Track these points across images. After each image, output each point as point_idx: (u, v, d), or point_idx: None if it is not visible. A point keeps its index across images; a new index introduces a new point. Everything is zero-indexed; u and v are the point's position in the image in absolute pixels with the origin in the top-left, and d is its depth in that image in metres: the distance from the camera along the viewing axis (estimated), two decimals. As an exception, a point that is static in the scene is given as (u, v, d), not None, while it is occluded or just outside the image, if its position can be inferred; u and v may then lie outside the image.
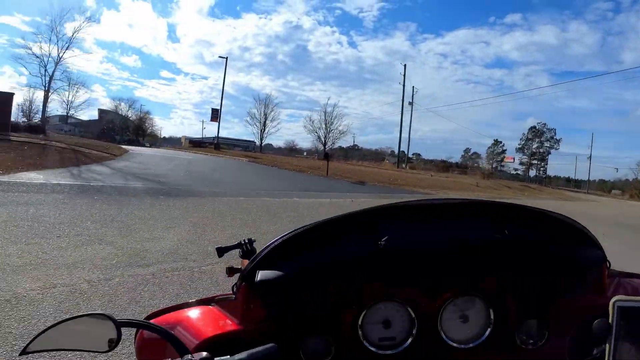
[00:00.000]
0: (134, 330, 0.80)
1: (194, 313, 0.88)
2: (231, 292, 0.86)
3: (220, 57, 34.12)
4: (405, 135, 51.50)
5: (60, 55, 32.78)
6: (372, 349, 0.83)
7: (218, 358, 0.57)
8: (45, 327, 0.58)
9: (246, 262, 0.92)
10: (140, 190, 9.37)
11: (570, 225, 0.91)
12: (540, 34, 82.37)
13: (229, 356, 0.58)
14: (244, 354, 0.57)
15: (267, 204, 9.36)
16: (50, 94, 34.87)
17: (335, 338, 0.83)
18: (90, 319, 0.60)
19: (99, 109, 75.25)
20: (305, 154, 59.07)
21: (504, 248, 0.87)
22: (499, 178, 47.34)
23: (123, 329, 0.61)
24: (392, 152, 58.69)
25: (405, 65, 46.13)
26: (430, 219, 0.91)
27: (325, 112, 50.50)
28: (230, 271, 1.00)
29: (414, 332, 0.84)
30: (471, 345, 0.85)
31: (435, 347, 0.84)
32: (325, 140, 50.54)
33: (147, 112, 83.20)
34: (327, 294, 0.83)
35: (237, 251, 1.09)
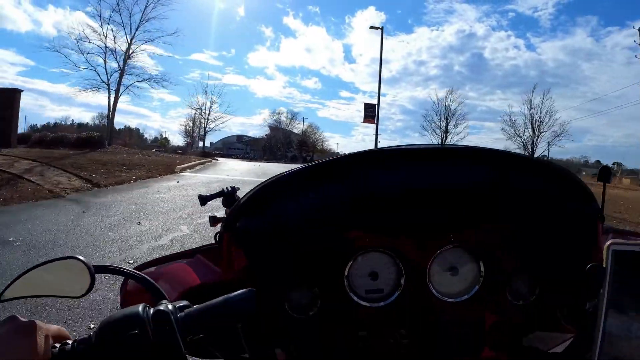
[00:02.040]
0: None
1: (178, 264, 0.88)
2: (214, 241, 0.85)
3: (372, 27, 25.51)
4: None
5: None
6: (359, 300, 0.81)
7: (197, 305, 0.56)
8: (17, 275, 0.56)
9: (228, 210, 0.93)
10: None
11: (566, 177, 0.86)
12: None
13: (206, 303, 0.55)
14: (221, 299, 0.55)
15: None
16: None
17: (320, 289, 0.81)
18: (65, 263, 0.57)
19: (269, 126, 72.73)
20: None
21: (497, 197, 0.84)
22: None
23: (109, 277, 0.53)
24: (586, 161, 51.17)
25: None
26: (421, 165, 0.86)
27: (530, 106, 35.57)
28: (214, 220, 0.99)
29: (402, 284, 0.82)
30: (460, 299, 0.83)
31: (424, 300, 0.83)
32: (532, 146, 35.54)
33: (311, 125, 78.22)
34: (311, 243, 0.80)
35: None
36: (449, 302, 0.83)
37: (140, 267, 0.84)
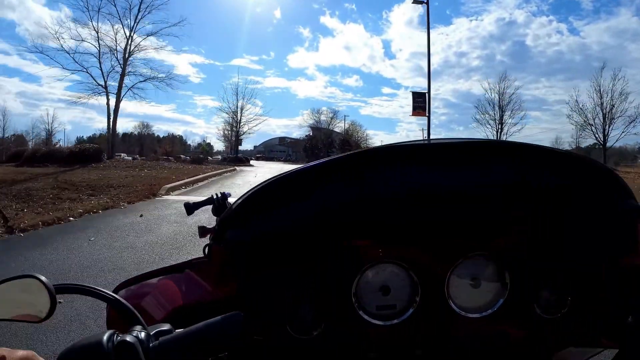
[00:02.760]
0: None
1: (166, 280, 0.81)
2: (203, 254, 0.80)
3: (415, 1, 20.37)
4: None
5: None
6: (369, 319, 0.73)
7: (179, 329, 0.50)
8: None
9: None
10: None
11: (602, 171, 0.77)
12: None
13: (186, 329, 0.50)
14: (202, 324, 0.49)
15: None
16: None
17: (325, 307, 0.72)
18: (21, 282, 0.51)
19: (310, 126, 69.58)
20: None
21: (523, 198, 0.74)
22: None
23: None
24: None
25: None
26: (436, 163, 0.75)
27: (599, 90, 29.85)
28: (203, 231, 0.90)
29: (417, 299, 0.73)
30: (483, 313, 0.74)
31: (442, 316, 0.74)
32: (604, 136, 30.01)
33: (354, 123, 74.56)
34: (311, 255, 0.71)
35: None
36: (470, 317, 0.74)
37: (125, 284, 0.79)
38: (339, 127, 71.13)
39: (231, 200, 0.89)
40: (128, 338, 0.45)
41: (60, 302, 2.38)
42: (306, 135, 73.91)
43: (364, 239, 0.72)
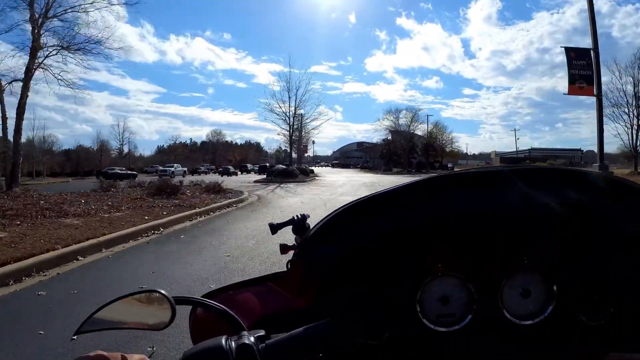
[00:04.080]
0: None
1: (249, 291, 0.87)
2: (286, 269, 0.87)
3: None
4: None
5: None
6: (431, 325, 0.80)
7: (274, 335, 0.57)
8: (98, 307, 0.57)
9: (299, 239, 0.95)
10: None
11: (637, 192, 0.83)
12: None
13: (285, 333, 0.57)
14: (300, 330, 0.56)
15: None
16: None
17: (392, 315, 0.80)
18: (145, 296, 0.60)
19: (388, 129, 60.44)
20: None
21: (569, 218, 0.80)
22: None
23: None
24: None
25: None
26: (488, 187, 0.84)
27: None
28: (284, 248, 1.00)
29: (474, 308, 0.80)
30: (533, 321, 0.80)
31: (496, 323, 0.80)
32: None
33: (437, 124, 62.96)
34: (382, 270, 0.80)
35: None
36: (521, 324, 0.80)
37: (211, 295, 0.84)
38: (421, 129, 59.90)
39: (309, 221, 0.98)
40: (246, 341, 0.52)
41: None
42: (383, 140, 64.46)
43: (429, 255, 0.79)
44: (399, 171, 50.61)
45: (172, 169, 42.67)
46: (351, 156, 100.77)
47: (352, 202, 0.81)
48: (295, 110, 33.76)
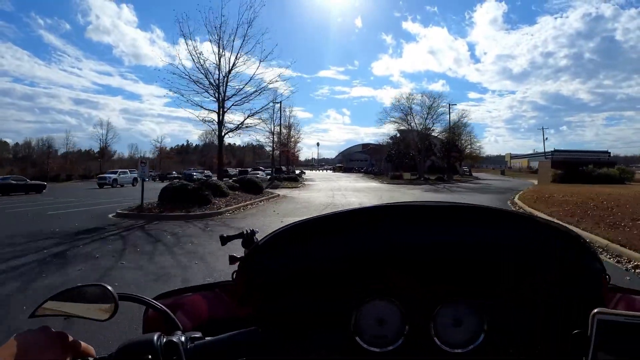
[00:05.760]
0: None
1: (197, 296, 0.91)
2: (231, 279, 0.91)
3: None
4: None
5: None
6: (364, 345, 0.84)
7: (208, 337, 0.61)
8: (53, 294, 0.63)
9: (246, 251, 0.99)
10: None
11: (565, 233, 0.88)
12: None
13: (215, 337, 0.62)
14: (228, 335, 0.61)
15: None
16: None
17: (328, 332, 0.84)
18: (93, 289, 0.64)
19: (398, 130, 49.64)
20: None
21: (498, 255, 0.85)
22: None
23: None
24: None
25: None
26: (425, 221, 0.90)
27: None
28: (232, 259, 1.04)
29: (406, 332, 0.84)
30: (462, 350, 0.84)
31: (426, 348, 0.84)
32: None
33: (463, 118, 48.42)
34: (321, 288, 0.84)
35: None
36: (451, 352, 0.82)
37: (162, 296, 0.88)
38: (439, 123, 45.96)
39: (258, 236, 0.99)
40: (174, 339, 0.57)
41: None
42: (390, 138, 52.65)
43: (368, 279, 0.83)
44: (413, 179, 38.55)
45: (115, 175, 33.06)
46: (355, 159, 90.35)
47: (295, 222, 0.86)
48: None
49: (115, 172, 34.06)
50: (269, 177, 33.54)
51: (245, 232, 1.00)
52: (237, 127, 18.56)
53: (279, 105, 30.99)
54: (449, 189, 26.74)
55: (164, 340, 0.56)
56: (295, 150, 52.16)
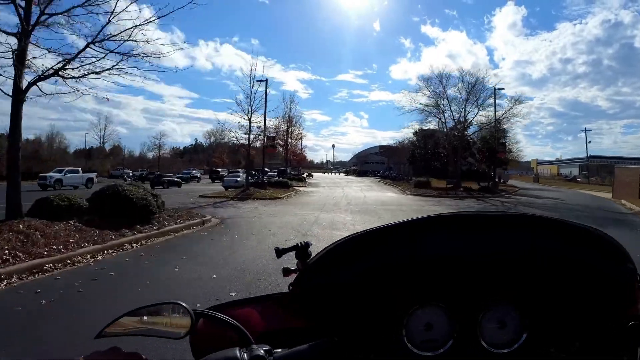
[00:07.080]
0: None
1: (252, 308, 0.92)
2: (288, 290, 0.92)
3: None
4: None
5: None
6: (415, 350, 0.86)
7: (277, 350, 0.62)
8: (123, 313, 0.60)
9: (300, 263, 0.99)
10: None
11: (601, 238, 0.91)
12: None
13: (287, 349, 0.62)
14: (305, 346, 0.62)
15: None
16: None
17: (380, 339, 0.86)
18: (167, 307, 0.64)
19: (420, 129, 40.83)
20: None
21: (537, 261, 0.88)
22: None
23: None
24: None
25: None
26: (469, 230, 0.92)
27: None
28: (286, 272, 1.05)
29: (455, 335, 0.87)
30: (507, 350, 0.87)
31: (474, 350, 0.87)
32: None
33: (513, 109, 36.38)
34: (373, 299, 0.87)
35: None
36: (497, 352, 0.85)
37: (216, 309, 0.87)
38: (483, 110, 33.62)
39: (311, 248, 1.00)
40: (259, 353, 0.58)
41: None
42: (414, 133, 43.46)
43: (415, 288, 0.86)
44: (448, 188, 28.46)
45: (59, 175, 25.52)
46: (370, 161, 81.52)
47: (352, 235, 0.90)
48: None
49: (60, 171, 26.47)
50: (251, 180, 25.37)
51: (299, 244, 1.01)
52: (56, 72, 8.43)
53: (264, 89, 22.80)
54: (514, 207, 18.04)
55: (246, 354, 0.57)
56: (297, 148, 44.27)
